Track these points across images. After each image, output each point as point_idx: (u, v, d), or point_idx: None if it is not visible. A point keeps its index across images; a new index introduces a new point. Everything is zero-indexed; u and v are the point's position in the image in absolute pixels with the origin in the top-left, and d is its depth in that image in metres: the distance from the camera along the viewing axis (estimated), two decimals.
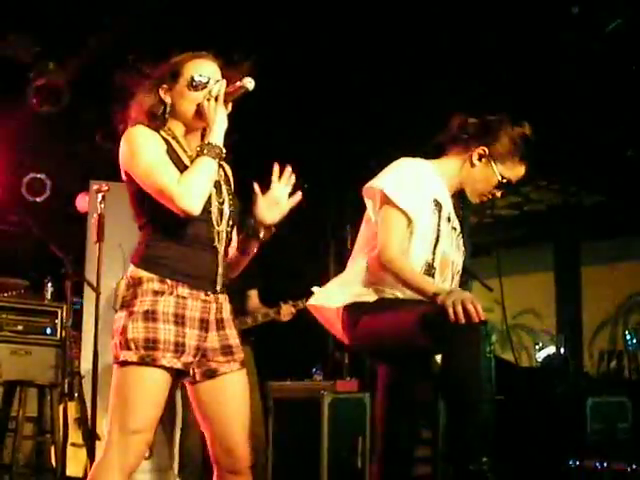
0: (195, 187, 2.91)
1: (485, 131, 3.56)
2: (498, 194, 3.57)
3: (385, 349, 3.35)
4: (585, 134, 8.22)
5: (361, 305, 3.38)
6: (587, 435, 6.22)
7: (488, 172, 3.53)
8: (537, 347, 10.99)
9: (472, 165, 3.55)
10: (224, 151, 3.02)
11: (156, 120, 3.09)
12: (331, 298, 3.49)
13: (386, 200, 3.42)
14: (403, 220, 3.38)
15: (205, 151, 2.98)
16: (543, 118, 7.71)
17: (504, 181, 3.53)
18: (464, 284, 3.64)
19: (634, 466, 5.66)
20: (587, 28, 5.75)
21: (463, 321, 2.95)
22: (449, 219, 3.51)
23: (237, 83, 3.04)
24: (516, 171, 3.55)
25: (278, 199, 3.14)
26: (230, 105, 3.07)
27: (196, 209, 2.92)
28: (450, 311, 2.98)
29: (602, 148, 8.64)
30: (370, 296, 3.39)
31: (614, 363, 9.35)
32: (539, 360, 10.44)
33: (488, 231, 10.34)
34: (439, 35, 6.21)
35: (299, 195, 3.17)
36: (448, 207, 3.53)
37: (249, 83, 3.03)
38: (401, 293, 3.36)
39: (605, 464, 5.76)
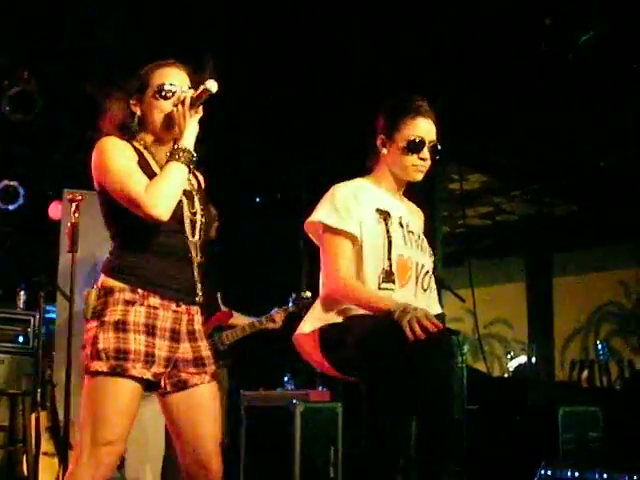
0: (163, 193, 2.91)
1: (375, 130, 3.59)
2: (427, 155, 3.49)
3: (365, 366, 3.33)
4: (558, 145, 8.29)
5: (333, 326, 3.37)
6: (559, 444, 6.26)
7: (396, 148, 3.51)
8: (509, 356, 11.07)
9: (385, 155, 3.54)
10: (195, 156, 3.02)
11: (127, 132, 3.10)
12: (304, 326, 3.48)
13: (326, 229, 3.43)
14: (347, 243, 3.38)
15: (175, 156, 2.98)
16: (517, 129, 7.79)
17: (415, 141, 3.47)
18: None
19: (605, 475, 5.69)
20: (561, 39, 5.81)
21: (422, 337, 2.96)
22: (401, 224, 3.48)
23: (200, 87, 3.03)
24: (413, 127, 3.49)
25: None
26: (200, 110, 3.07)
27: (164, 216, 2.91)
28: (407, 330, 2.99)
29: (575, 159, 8.71)
30: (339, 317, 3.38)
31: (585, 372, 9.42)
32: (511, 369, 10.52)
33: (460, 241, 10.42)
34: (416, 48, 6.25)
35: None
36: (398, 212, 3.51)
37: (212, 86, 3.01)
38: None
39: (577, 473, 5.78)
